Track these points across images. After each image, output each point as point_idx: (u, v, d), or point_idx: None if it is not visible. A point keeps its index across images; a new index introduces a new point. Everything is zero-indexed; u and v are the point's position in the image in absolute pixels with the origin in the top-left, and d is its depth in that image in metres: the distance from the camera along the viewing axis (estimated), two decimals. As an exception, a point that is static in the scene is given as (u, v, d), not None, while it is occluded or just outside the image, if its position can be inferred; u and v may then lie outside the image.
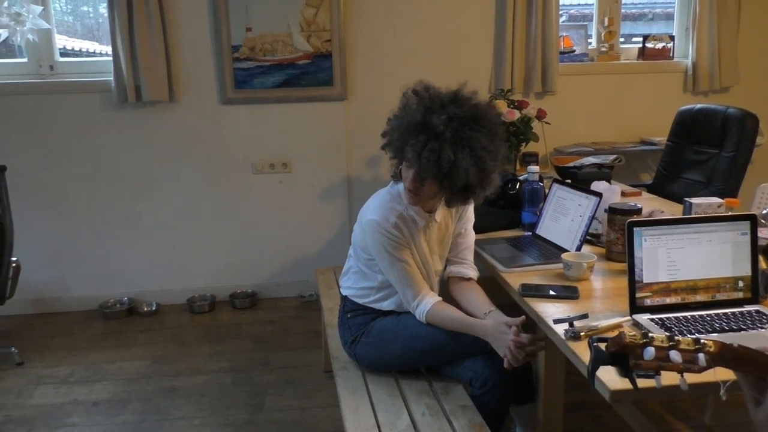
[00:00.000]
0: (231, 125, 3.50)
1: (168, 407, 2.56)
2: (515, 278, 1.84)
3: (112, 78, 3.28)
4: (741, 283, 1.56)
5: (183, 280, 3.63)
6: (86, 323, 3.41)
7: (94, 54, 3.62)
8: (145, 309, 3.53)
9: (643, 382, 0.96)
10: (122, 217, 3.53)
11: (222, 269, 3.66)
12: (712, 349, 0.92)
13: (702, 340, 0.93)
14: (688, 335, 1.40)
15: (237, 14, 3.33)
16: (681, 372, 0.92)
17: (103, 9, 3.26)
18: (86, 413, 2.53)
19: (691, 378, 0.95)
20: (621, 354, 0.93)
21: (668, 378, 0.98)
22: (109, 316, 3.47)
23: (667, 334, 0.95)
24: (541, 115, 3.35)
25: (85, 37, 3.65)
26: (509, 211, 2.40)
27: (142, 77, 3.25)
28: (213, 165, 3.54)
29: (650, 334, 0.93)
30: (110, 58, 3.26)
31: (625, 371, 0.95)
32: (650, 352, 0.91)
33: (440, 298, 1.86)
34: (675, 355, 0.91)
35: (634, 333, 0.93)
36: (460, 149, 1.66)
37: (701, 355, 0.91)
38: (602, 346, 0.97)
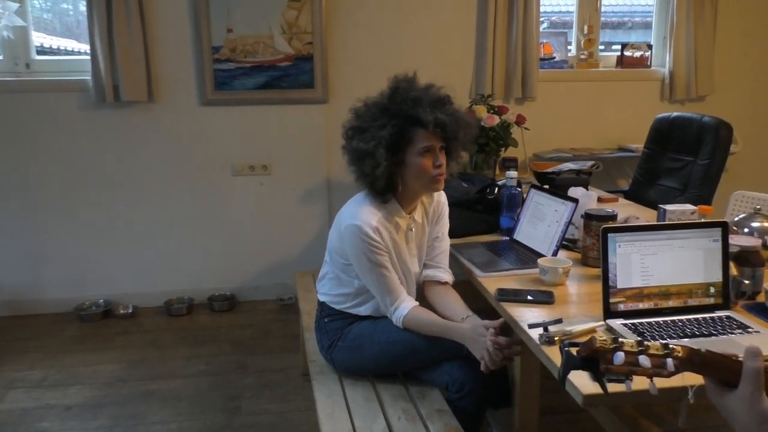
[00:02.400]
0: (211, 127, 3.48)
1: (144, 411, 2.53)
2: (492, 283, 1.85)
3: (89, 77, 3.24)
4: (712, 289, 1.59)
5: (160, 282, 3.59)
6: (61, 326, 3.36)
7: (72, 52, 3.57)
8: (122, 311, 3.49)
9: (613, 387, 0.97)
10: (99, 218, 3.48)
11: (200, 272, 3.63)
12: (680, 354, 0.94)
13: (670, 345, 0.95)
14: (660, 340, 1.42)
15: (218, 15, 3.31)
16: (650, 377, 0.94)
17: (84, 6, 3.22)
18: (59, 418, 2.49)
19: (661, 383, 0.96)
20: (592, 359, 0.94)
21: (639, 382, 0.99)
22: (84, 318, 3.42)
23: (637, 339, 0.96)
24: (520, 120, 3.37)
25: (63, 35, 3.60)
26: (487, 215, 2.42)
27: (120, 77, 3.22)
28: (192, 166, 3.51)
29: (620, 339, 0.95)
30: (88, 57, 3.22)
31: (596, 376, 0.96)
32: (620, 356, 0.93)
33: (417, 303, 1.87)
34: (644, 360, 0.93)
35: (604, 338, 0.94)
36: (449, 106, 1.82)
37: (670, 360, 0.93)
38: (574, 350, 0.98)
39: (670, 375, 0.93)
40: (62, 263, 3.51)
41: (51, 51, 3.51)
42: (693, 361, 0.95)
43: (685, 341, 1.42)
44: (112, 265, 3.55)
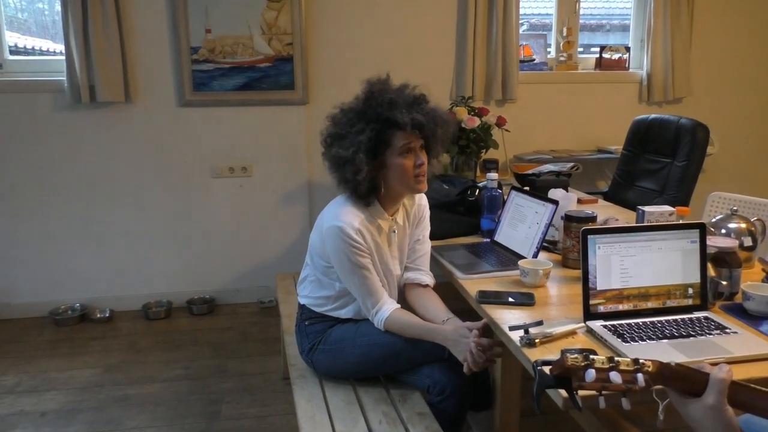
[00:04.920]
0: (189, 128, 3.44)
1: (120, 417, 2.49)
2: (473, 285, 1.84)
3: (65, 77, 3.18)
4: (690, 290, 1.60)
5: (138, 285, 3.55)
6: (36, 330, 3.30)
7: (47, 53, 3.51)
8: (98, 315, 3.43)
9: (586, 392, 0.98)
10: (75, 220, 3.42)
11: (179, 274, 3.58)
12: (650, 369, 0.95)
13: (641, 360, 0.96)
14: (639, 341, 1.43)
15: (196, 15, 3.27)
16: (623, 392, 0.95)
17: (59, 6, 3.16)
18: (33, 424, 2.44)
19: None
20: (564, 377, 0.95)
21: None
22: (60, 322, 3.36)
23: (607, 356, 0.97)
24: (500, 122, 3.39)
25: (38, 35, 3.53)
26: (468, 217, 2.42)
27: (96, 77, 3.17)
28: (170, 168, 3.47)
29: (591, 357, 0.95)
30: (63, 57, 3.17)
31: (570, 393, 0.97)
32: (591, 374, 0.94)
33: (399, 306, 1.86)
34: (615, 376, 0.94)
35: (575, 356, 0.95)
36: (425, 105, 1.81)
37: (640, 375, 0.94)
38: (546, 369, 0.99)
39: (641, 390, 0.95)
40: (37, 266, 3.44)
41: (25, 51, 3.45)
42: (663, 374, 0.96)
43: (665, 342, 1.43)
44: (89, 269, 3.49)
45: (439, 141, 1.87)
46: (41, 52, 3.51)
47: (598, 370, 0.94)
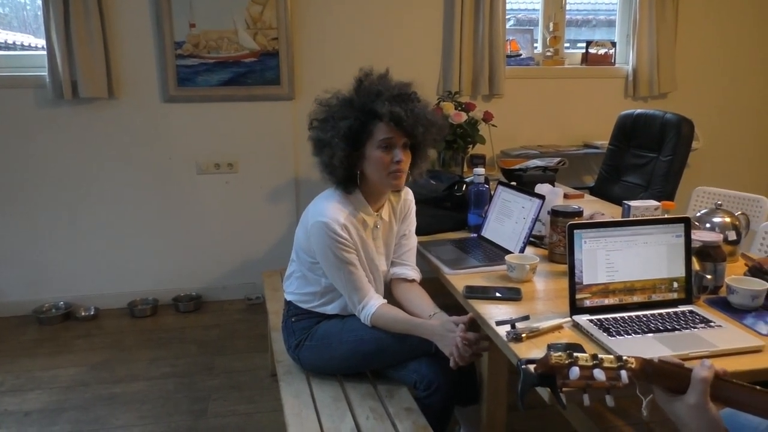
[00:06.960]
0: (174, 124, 3.41)
1: (106, 416, 2.47)
2: (460, 280, 1.84)
3: (46, 73, 3.14)
4: (675, 284, 1.61)
5: (123, 283, 3.51)
6: (19, 329, 3.26)
7: (28, 48, 3.46)
8: (83, 314, 3.40)
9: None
10: (58, 218, 3.38)
11: (165, 272, 3.56)
12: (633, 366, 0.96)
13: (624, 357, 0.96)
14: (625, 335, 1.43)
15: (180, 9, 3.24)
16: (607, 389, 0.95)
17: (41, 0, 3.11)
18: (17, 424, 2.41)
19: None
20: (549, 375, 0.95)
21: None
22: (44, 321, 3.32)
23: (591, 353, 0.98)
24: (487, 117, 3.38)
25: (19, 30, 3.48)
26: (455, 212, 2.41)
27: (78, 73, 3.12)
28: (155, 165, 3.43)
29: (575, 354, 0.96)
30: (44, 52, 3.12)
31: (554, 391, 0.98)
32: (575, 371, 0.94)
33: (385, 301, 1.86)
34: (599, 374, 0.94)
35: (559, 353, 0.95)
36: (412, 103, 1.77)
37: (624, 372, 0.95)
38: (531, 368, 0.99)
39: (625, 387, 0.95)
40: (20, 264, 3.40)
41: (6, 46, 3.39)
42: (646, 371, 0.97)
43: (650, 336, 1.43)
44: (73, 266, 3.45)
45: (421, 140, 1.83)
46: (22, 47, 3.46)
47: (581, 367, 0.95)
